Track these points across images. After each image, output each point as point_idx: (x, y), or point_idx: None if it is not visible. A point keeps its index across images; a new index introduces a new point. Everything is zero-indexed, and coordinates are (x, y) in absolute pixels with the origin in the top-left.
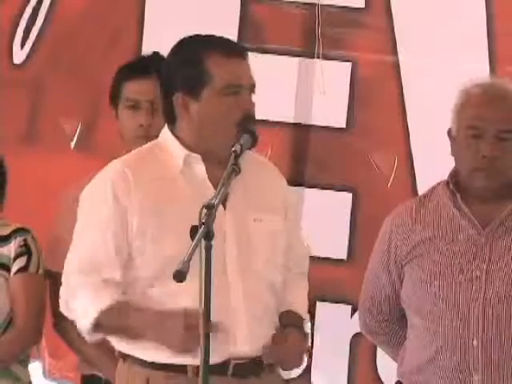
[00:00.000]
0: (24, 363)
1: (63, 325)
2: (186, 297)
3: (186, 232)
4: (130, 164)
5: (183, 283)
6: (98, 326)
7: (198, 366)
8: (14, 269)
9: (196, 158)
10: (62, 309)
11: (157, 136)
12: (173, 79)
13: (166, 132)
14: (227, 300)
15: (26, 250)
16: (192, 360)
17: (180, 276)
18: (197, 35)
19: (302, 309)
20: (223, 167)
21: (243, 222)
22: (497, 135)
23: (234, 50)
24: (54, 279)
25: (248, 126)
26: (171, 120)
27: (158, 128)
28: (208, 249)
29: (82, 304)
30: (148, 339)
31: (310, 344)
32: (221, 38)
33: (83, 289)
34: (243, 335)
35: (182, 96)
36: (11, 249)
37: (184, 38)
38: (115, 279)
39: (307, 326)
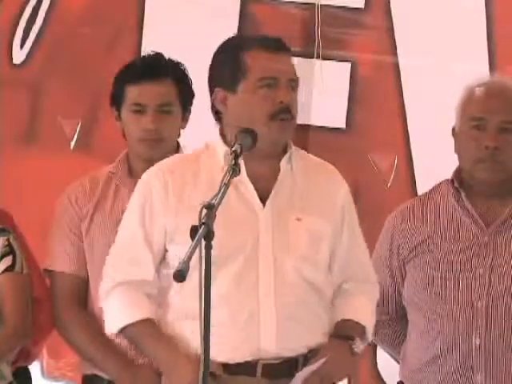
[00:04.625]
0: (8, 362)
1: (64, 324)
2: None
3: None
4: (170, 167)
5: None
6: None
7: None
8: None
9: None
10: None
11: (165, 139)
12: (214, 76)
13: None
14: (255, 294)
15: (9, 250)
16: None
17: (180, 276)
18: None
19: (359, 315)
20: (267, 163)
21: (283, 221)
22: (499, 126)
23: (272, 45)
24: (53, 278)
25: (282, 117)
26: (218, 118)
27: (167, 131)
28: (208, 249)
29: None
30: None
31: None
32: (262, 36)
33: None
34: (270, 333)
35: (221, 91)
36: None
37: (227, 38)
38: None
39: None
